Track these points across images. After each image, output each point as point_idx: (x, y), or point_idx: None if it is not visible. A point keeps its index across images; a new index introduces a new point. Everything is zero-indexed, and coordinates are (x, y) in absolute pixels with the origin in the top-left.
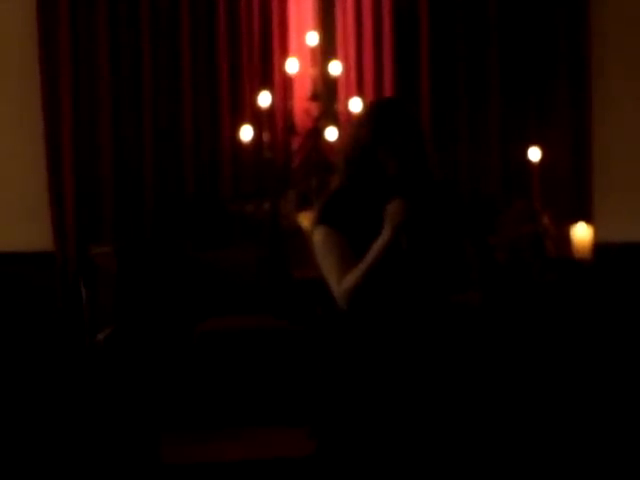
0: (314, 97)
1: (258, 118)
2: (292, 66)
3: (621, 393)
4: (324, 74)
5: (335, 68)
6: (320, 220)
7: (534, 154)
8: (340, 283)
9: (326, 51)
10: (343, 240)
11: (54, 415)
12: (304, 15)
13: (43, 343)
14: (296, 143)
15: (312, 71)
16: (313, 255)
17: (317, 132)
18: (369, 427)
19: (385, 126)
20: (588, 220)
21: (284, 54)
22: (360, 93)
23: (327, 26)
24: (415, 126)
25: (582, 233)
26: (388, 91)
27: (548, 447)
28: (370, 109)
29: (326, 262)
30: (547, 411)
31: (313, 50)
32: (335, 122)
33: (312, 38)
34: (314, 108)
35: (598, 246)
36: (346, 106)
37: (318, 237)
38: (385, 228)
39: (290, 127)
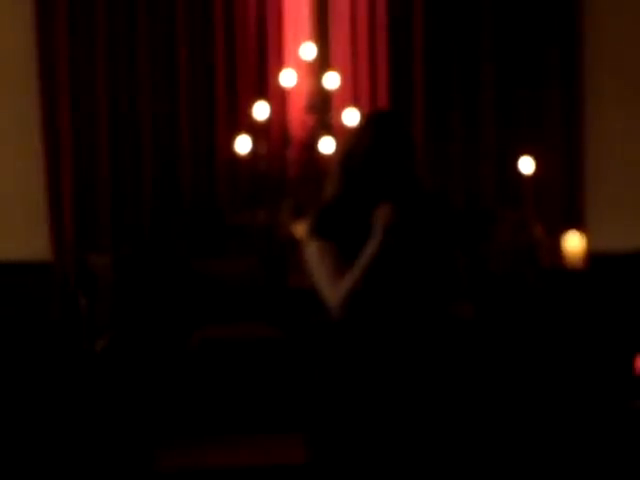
0: (310, 109)
1: (254, 130)
2: (288, 78)
3: (614, 401)
4: (319, 86)
5: (330, 80)
6: (313, 233)
7: (526, 164)
8: (334, 291)
9: (321, 63)
10: (336, 251)
11: (51, 423)
12: (299, 27)
13: (41, 352)
14: (292, 154)
15: (308, 83)
16: (306, 267)
17: (312, 143)
18: (363, 434)
19: (381, 140)
20: (580, 229)
21: (280, 66)
22: (355, 105)
23: (322, 38)
24: (409, 139)
25: (574, 242)
26: (383, 103)
27: (541, 457)
28: (367, 121)
29: (320, 273)
30: (540, 418)
31: (309, 62)
32: (330, 133)
33: (308, 50)
34: (309, 120)
35: (591, 255)
36: (341, 118)
37: (311, 249)
38: (374, 232)
39: (286, 139)
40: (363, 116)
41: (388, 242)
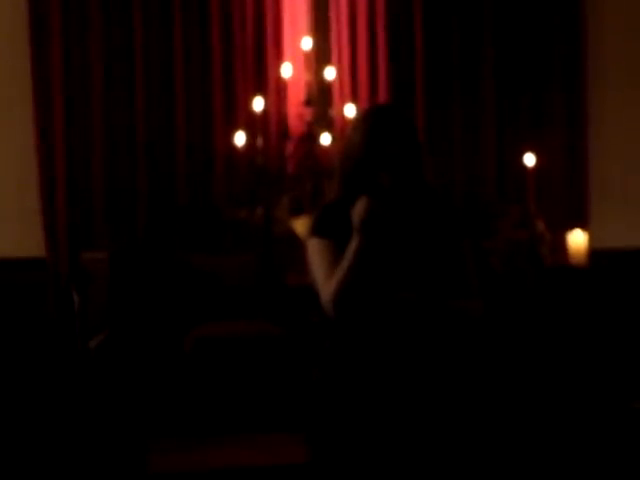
0: (308, 102)
1: (252, 123)
2: (286, 71)
3: (616, 399)
4: (318, 79)
5: (329, 73)
6: (313, 231)
7: (529, 160)
8: (325, 288)
9: (320, 56)
10: (334, 249)
11: (45, 421)
12: (298, 20)
13: (35, 350)
14: (290, 148)
15: (306, 76)
16: (308, 266)
17: (311, 137)
18: (363, 432)
19: (377, 137)
20: (583, 226)
21: (278, 59)
22: (354, 98)
23: (321, 31)
24: (409, 134)
25: (577, 239)
26: (382, 96)
27: (544, 457)
28: (363, 118)
29: (316, 271)
30: (542, 418)
31: (307, 55)
32: (329, 127)
33: (306, 43)
34: (308, 113)
35: (593, 252)
36: (340, 111)
37: (311, 248)
38: (354, 227)
39: (284, 132)
40: (361, 111)
41: (367, 236)
